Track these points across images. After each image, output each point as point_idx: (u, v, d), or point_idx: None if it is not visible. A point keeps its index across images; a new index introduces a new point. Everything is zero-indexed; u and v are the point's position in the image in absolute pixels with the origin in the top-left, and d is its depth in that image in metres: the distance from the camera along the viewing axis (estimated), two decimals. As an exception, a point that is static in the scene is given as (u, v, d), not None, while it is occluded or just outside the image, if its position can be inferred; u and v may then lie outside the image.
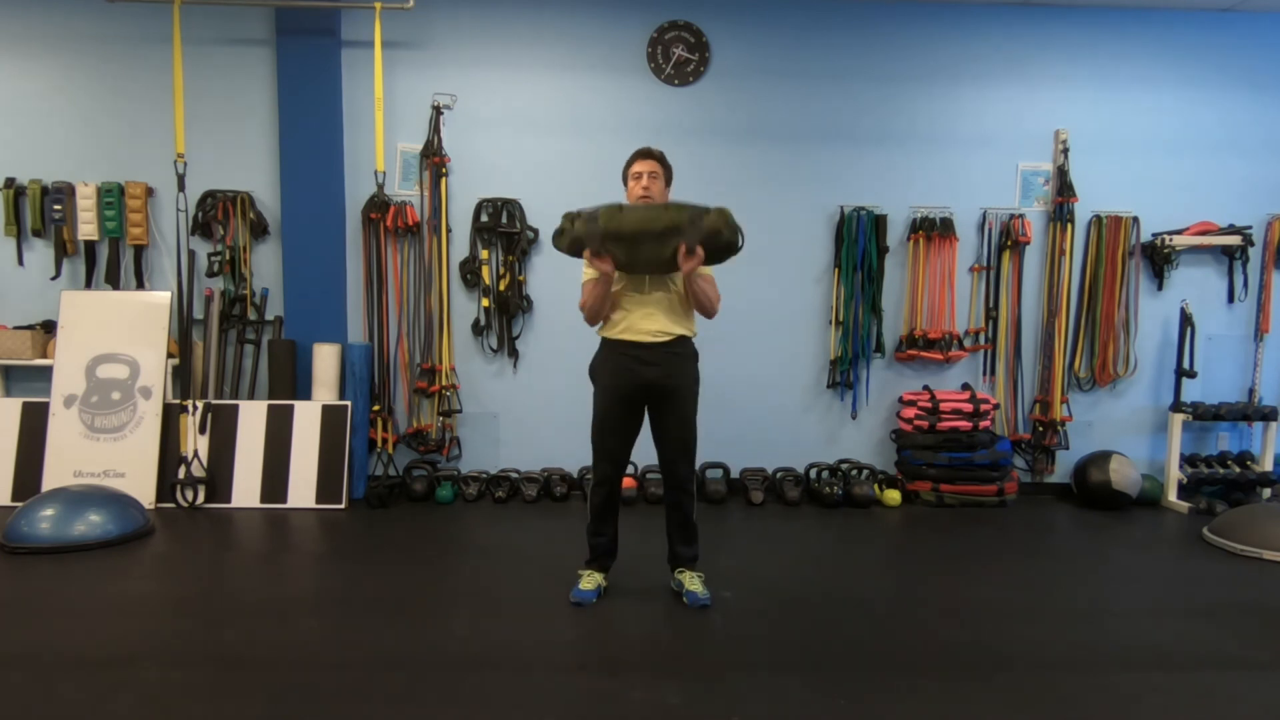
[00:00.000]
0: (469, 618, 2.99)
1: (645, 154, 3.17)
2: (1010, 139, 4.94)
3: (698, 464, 3.33)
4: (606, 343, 3.17)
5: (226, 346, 4.75)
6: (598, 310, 3.10)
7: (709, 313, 3.14)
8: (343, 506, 4.45)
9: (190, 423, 4.47)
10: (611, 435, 3.15)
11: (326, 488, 4.46)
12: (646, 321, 3.08)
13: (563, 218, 3.07)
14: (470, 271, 4.84)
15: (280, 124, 4.65)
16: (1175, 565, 3.81)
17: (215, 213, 4.70)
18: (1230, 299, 5.06)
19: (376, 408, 4.78)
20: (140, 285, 4.71)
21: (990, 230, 4.97)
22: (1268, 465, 4.90)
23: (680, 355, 3.12)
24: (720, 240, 2.95)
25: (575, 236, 3.01)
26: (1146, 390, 5.11)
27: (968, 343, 5.01)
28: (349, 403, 4.58)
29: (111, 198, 4.61)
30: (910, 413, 4.83)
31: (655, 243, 2.93)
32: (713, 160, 4.84)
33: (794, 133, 4.90)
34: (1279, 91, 4.98)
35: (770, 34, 4.84)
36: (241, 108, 4.72)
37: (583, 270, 3.10)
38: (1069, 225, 4.90)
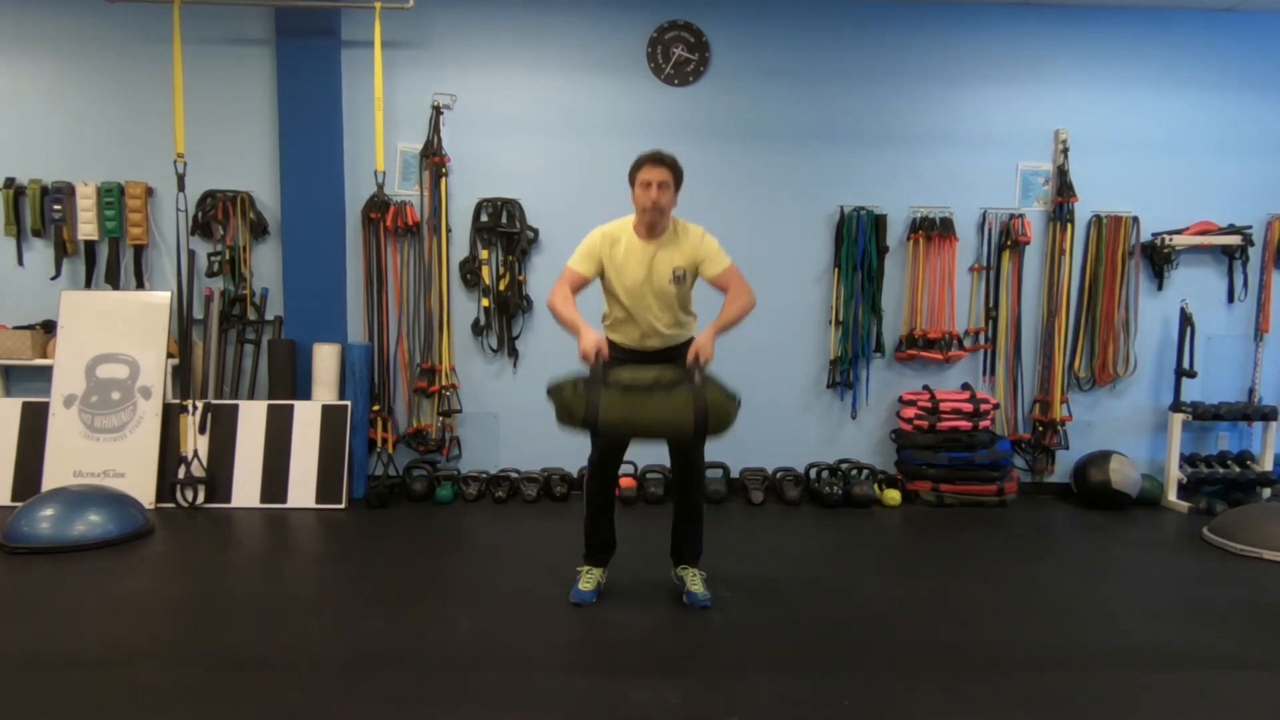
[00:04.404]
0: (469, 618, 2.99)
1: (656, 160, 2.86)
2: (1010, 139, 4.94)
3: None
4: (609, 344, 3.07)
5: (226, 346, 4.75)
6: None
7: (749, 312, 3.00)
8: (343, 506, 4.45)
9: (190, 423, 4.47)
10: None
11: (326, 488, 4.46)
12: (649, 339, 3.03)
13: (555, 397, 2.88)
14: (470, 271, 4.84)
15: (280, 124, 4.65)
16: (1175, 565, 3.81)
17: (215, 213, 4.70)
18: (1230, 299, 5.05)
19: (376, 408, 4.78)
20: (140, 285, 4.71)
21: (990, 230, 4.97)
22: (1268, 465, 4.90)
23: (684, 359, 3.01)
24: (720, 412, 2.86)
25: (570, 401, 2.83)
26: (1146, 390, 5.11)
27: (968, 343, 5.01)
28: (349, 403, 4.58)
29: (111, 198, 4.61)
30: (910, 413, 4.83)
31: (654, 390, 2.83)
32: (713, 160, 4.84)
33: (794, 133, 4.90)
34: (1279, 91, 4.98)
35: (770, 34, 4.84)
36: (241, 108, 4.72)
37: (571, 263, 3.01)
38: (1069, 225, 4.90)
